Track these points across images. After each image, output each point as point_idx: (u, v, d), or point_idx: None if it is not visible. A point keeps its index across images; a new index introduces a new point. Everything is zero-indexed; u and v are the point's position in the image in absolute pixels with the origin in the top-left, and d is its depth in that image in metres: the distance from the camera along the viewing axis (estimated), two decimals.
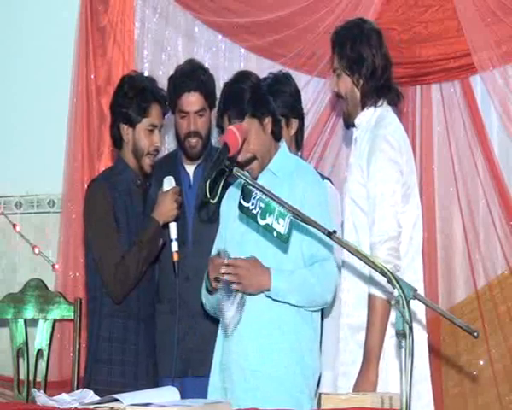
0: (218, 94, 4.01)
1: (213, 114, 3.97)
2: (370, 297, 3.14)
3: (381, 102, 3.32)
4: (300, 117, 3.73)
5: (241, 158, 3.17)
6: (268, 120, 3.26)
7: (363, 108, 3.32)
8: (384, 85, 3.31)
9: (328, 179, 3.81)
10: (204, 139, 3.79)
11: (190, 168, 3.84)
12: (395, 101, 3.38)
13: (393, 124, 3.29)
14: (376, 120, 3.28)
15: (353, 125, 3.38)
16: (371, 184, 3.20)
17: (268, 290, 3.12)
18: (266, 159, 3.26)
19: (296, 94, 3.73)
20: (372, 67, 3.29)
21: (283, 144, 3.35)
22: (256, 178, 3.22)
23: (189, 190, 3.78)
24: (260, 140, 3.23)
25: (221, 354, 3.24)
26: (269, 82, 3.63)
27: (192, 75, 3.76)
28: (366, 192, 3.22)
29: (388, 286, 3.04)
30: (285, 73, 3.78)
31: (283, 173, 3.23)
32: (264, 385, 3.12)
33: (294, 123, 3.68)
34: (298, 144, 3.73)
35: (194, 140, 3.77)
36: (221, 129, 3.28)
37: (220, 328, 3.27)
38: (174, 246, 3.54)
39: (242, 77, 3.34)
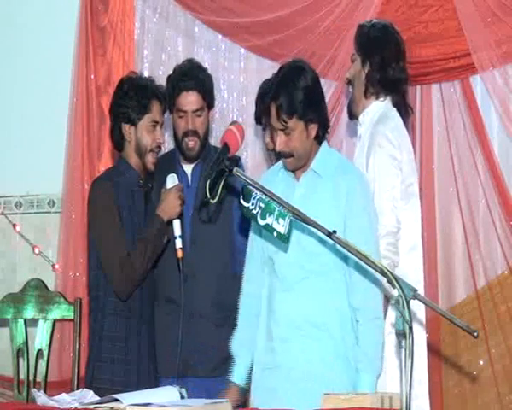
0: (217, 94, 4.02)
1: (211, 114, 3.98)
2: None
3: (383, 97, 3.34)
4: None
5: (278, 148, 3.14)
6: (314, 126, 3.14)
7: (366, 96, 3.34)
8: (390, 83, 3.33)
9: None
10: (202, 139, 3.78)
11: (188, 168, 3.84)
12: (400, 107, 3.39)
13: (394, 122, 3.31)
14: (378, 117, 3.30)
15: (356, 117, 3.40)
16: (369, 179, 3.21)
17: None
18: (304, 159, 3.17)
19: None
20: (383, 59, 3.32)
21: (324, 143, 3.24)
22: (294, 173, 3.21)
23: (188, 190, 3.76)
24: (302, 142, 3.14)
25: (264, 353, 3.21)
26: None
27: (190, 74, 3.76)
28: None
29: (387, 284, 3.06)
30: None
31: (326, 172, 3.17)
32: (308, 386, 3.07)
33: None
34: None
35: (191, 140, 3.76)
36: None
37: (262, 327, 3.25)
38: (178, 243, 3.54)
39: (300, 71, 3.14)
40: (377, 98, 3.35)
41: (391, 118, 3.30)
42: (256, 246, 3.29)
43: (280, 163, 3.29)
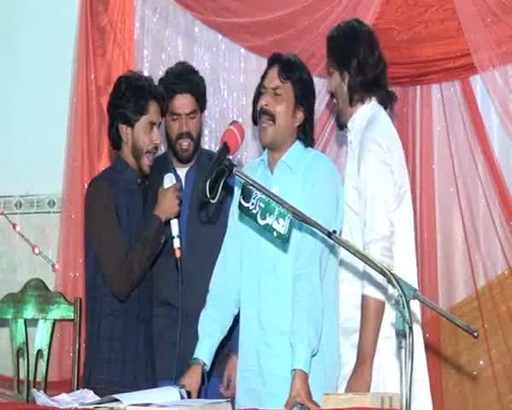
0: (217, 94, 4.02)
1: (204, 117, 3.97)
2: (363, 298, 3.14)
3: (368, 100, 3.32)
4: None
5: (263, 103, 3.21)
6: (301, 114, 3.25)
7: (351, 104, 3.33)
8: (372, 82, 3.31)
9: None
10: (195, 141, 3.80)
11: (182, 171, 3.85)
12: (387, 102, 3.38)
13: (383, 124, 3.29)
14: (367, 122, 3.28)
15: (345, 126, 3.39)
16: (361, 185, 3.21)
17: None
18: (280, 137, 3.22)
19: None
20: (359, 62, 3.29)
21: (299, 141, 3.29)
22: (269, 166, 3.23)
23: (181, 193, 3.76)
24: (286, 114, 3.22)
25: (244, 356, 3.25)
26: None
27: (184, 77, 3.77)
28: (358, 194, 3.23)
29: (384, 286, 3.06)
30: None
31: (297, 166, 3.22)
32: (285, 388, 3.03)
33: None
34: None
35: (185, 142, 3.78)
36: (262, 78, 3.30)
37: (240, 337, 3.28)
38: (176, 243, 3.53)
39: (299, 61, 3.32)
40: (363, 103, 3.33)
41: (379, 121, 3.28)
42: (235, 229, 3.34)
43: (257, 159, 3.36)
